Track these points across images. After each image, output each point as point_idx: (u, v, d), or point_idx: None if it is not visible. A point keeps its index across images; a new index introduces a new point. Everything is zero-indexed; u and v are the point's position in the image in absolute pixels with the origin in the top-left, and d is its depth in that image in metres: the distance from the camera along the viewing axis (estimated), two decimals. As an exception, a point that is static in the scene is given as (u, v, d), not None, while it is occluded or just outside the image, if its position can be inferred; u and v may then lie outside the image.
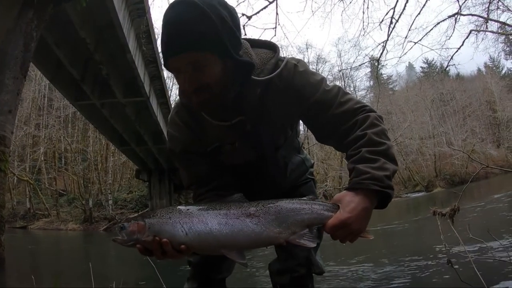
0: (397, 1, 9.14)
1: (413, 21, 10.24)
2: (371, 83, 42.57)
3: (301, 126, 1.88)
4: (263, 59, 1.18)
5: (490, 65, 44.13)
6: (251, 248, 1.13)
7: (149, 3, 9.81)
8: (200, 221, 1.06)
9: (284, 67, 1.17)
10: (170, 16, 0.98)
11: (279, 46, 1.23)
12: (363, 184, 0.99)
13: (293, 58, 1.23)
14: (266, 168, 1.34)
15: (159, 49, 13.93)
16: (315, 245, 1.07)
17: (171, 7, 0.98)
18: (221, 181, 1.26)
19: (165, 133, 16.57)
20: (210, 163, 1.26)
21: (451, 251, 2.41)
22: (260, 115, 1.18)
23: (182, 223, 1.05)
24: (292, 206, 1.09)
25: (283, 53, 1.31)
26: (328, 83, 1.21)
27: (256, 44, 1.25)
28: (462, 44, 10.32)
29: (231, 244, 1.06)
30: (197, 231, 1.05)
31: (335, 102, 1.15)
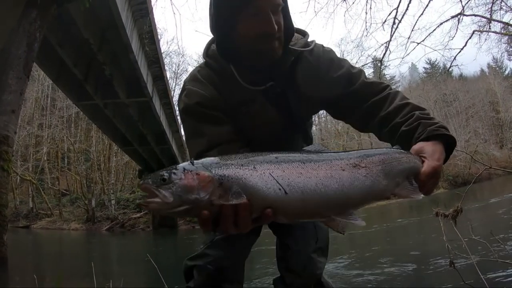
0: (400, 2, 9.14)
1: (416, 22, 10.21)
2: (374, 83, 42.43)
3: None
4: (296, 37, 1.27)
5: (493, 66, 43.93)
6: (359, 207, 0.90)
7: (152, 3, 9.82)
8: (298, 173, 0.77)
9: (315, 46, 1.28)
10: None
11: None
12: (439, 131, 1.03)
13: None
14: (288, 139, 1.31)
15: (162, 50, 13.95)
16: (421, 197, 1.00)
17: None
18: (229, 147, 1.09)
19: (167, 133, 16.63)
20: (226, 122, 1.16)
21: (453, 252, 2.40)
22: (289, 83, 1.22)
23: (275, 176, 0.75)
24: (393, 155, 0.97)
25: None
26: None
27: None
28: (465, 45, 10.29)
29: (342, 203, 0.83)
30: (300, 187, 0.76)
31: (361, 77, 1.25)
